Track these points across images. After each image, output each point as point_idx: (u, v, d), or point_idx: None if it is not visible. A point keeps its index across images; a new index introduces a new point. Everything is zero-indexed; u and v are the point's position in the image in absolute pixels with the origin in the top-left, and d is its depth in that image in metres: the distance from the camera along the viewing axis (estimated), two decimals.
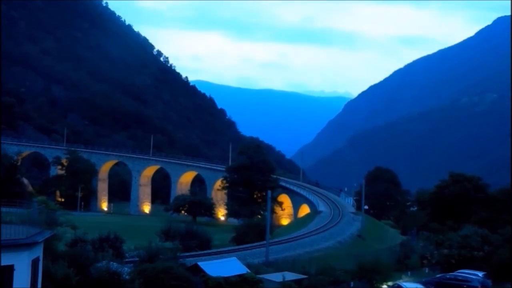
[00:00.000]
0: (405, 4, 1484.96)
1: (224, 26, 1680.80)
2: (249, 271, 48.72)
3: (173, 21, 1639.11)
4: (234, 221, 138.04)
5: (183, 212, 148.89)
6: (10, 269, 30.32)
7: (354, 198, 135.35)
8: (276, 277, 49.03)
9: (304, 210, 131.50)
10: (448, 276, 55.18)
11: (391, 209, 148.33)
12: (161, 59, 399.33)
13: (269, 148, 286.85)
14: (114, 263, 44.24)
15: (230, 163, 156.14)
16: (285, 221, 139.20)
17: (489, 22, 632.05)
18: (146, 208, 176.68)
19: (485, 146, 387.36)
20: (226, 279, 44.81)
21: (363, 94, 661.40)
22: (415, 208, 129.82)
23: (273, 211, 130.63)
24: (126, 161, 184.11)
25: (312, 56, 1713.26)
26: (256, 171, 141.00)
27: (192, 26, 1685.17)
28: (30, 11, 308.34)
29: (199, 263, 48.16)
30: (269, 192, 76.09)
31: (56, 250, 43.57)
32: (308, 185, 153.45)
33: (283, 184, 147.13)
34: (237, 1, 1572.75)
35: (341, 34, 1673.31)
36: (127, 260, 51.74)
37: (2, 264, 29.55)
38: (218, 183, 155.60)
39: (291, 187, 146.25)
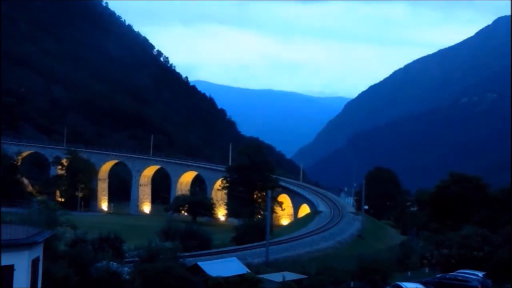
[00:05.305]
0: (405, 3, 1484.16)
1: (223, 26, 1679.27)
2: (249, 271, 48.75)
3: (173, 20, 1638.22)
4: (234, 221, 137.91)
5: (183, 212, 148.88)
6: (10, 269, 30.31)
7: (354, 198, 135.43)
8: (276, 277, 49.05)
9: (304, 210, 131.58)
10: (448, 276, 55.14)
11: (391, 209, 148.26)
12: (161, 59, 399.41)
13: (269, 148, 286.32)
14: (114, 263, 44.29)
15: (230, 163, 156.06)
16: (285, 221, 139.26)
17: (489, 22, 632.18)
18: (146, 208, 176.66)
19: (485, 146, 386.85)
20: (226, 279, 44.81)
21: (363, 94, 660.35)
22: (415, 208, 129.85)
23: (273, 211, 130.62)
24: (126, 161, 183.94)
25: (312, 56, 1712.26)
26: (256, 171, 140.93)
27: (192, 26, 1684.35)
28: (30, 11, 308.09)
29: (199, 263, 48.19)
30: (269, 192, 76.45)
31: (56, 250, 43.61)
32: (308, 185, 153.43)
33: (283, 184, 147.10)
34: (236, 1, 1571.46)
35: (341, 34, 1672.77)
36: (127, 260, 51.78)
37: (2, 264, 29.54)
38: (218, 183, 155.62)
39: (291, 187, 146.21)
